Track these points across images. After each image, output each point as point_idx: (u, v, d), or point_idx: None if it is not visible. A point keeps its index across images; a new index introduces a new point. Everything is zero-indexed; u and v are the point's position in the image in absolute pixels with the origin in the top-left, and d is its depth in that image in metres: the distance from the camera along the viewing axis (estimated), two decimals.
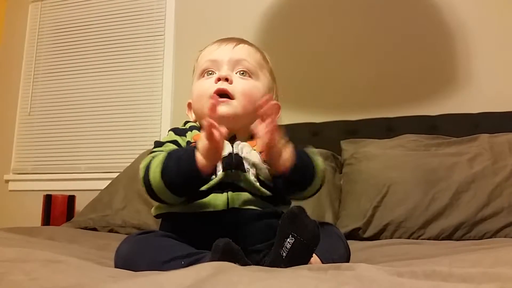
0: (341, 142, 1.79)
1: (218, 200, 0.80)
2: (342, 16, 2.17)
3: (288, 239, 0.66)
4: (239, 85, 0.90)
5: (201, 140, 0.75)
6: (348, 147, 1.74)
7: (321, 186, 0.86)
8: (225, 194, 0.80)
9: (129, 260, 0.71)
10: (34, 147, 2.54)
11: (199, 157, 0.75)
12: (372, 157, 1.60)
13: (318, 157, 0.85)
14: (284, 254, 0.65)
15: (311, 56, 2.16)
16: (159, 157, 0.79)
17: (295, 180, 0.81)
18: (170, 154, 0.79)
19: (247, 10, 2.28)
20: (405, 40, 2.06)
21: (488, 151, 1.47)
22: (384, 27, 2.10)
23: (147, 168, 0.79)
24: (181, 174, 0.76)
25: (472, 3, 2.01)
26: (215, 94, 0.84)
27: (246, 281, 0.45)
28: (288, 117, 1.93)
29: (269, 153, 0.77)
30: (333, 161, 1.75)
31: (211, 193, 0.80)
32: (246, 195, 0.81)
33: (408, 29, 2.07)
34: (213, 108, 0.75)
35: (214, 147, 0.74)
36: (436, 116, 1.85)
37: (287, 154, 0.79)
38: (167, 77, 2.39)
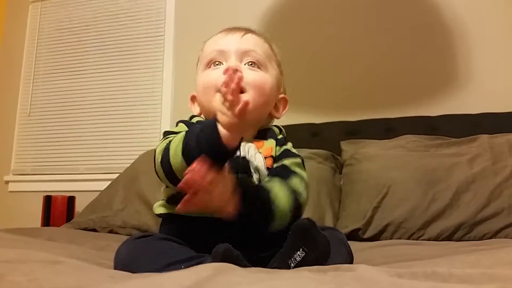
0: (341, 142, 1.79)
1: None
2: (342, 16, 2.17)
3: (298, 252, 0.65)
4: (249, 77, 0.85)
5: (224, 114, 0.69)
6: (348, 147, 1.74)
7: (292, 222, 0.76)
8: None
9: (129, 264, 0.70)
10: (34, 148, 2.54)
11: (223, 132, 0.68)
12: (372, 157, 1.60)
13: (283, 199, 0.76)
14: (292, 265, 0.65)
15: (311, 56, 2.16)
16: (178, 137, 0.73)
17: (248, 225, 0.75)
18: (188, 132, 0.73)
19: (246, 10, 2.28)
20: (405, 40, 2.06)
21: (488, 152, 1.47)
22: (384, 27, 2.10)
23: (166, 150, 0.74)
24: (205, 151, 0.69)
25: (472, 3, 2.01)
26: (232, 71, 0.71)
27: (246, 282, 0.45)
28: (288, 117, 1.92)
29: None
30: (333, 162, 1.75)
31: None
32: None
33: (408, 29, 2.07)
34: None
35: (242, 122, 0.68)
36: (436, 116, 1.85)
37: (231, 205, 0.71)
38: (167, 77, 2.39)
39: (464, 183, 1.38)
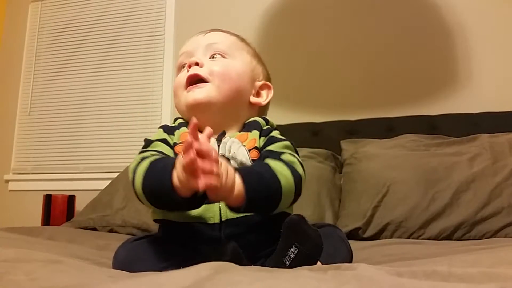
0: (341, 142, 1.79)
1: (209, 212, 0.74)
2: (342, 16, 2.17)
3: (291, 249, 0.65)
4: (212, 66, 0.85)
5: (180, 173, 0.63)
6: (348, 147, 1.73)
7: (295, 198, 0.75)
8: (216, 204, 0.74)
9: (127, 266, 0.69)
10: (34, 147, 2.54)
11: (176, 183, 0.64)
12: (372, 157, 1.60)
13: (286, 171, 0.72)
14: (287, 262, 0.65)
15: (311, 56, 2.16)
16: (144, 164, 0.72)
17: (255, 209, 0.70)
18: (153, 164, 0.71)
19: (247, 10, 2.28)
20: (405, 40, 2.06)
21: (488, 151, 1.47)
22: (384, 27, 2.10)
23: (134, 173, 0.73)
24: (158, 193, 0.68)
25: (472, 3, 2.01)
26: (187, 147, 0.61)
27: (246, 281, 0.45)
28: (288, 117, 1.93)
29: (215, 195, 0.64)
30: (333, 161, 1.75)
31: (203, 202, 0.72)
32: None
33: (408, 29, 2.07)
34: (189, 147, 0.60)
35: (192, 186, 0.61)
36: (436, 116, 1.85)
37: (238, 188, 0.66)
38: (167, 77, 2.39)
39: (464, 182, 1.38)
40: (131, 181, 0.74)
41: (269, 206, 0.72)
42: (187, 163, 0.59)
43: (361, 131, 1.88)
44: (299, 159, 0.79)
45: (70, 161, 2.46)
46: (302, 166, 0.77)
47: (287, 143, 0.82)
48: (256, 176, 0.70)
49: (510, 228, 1.28)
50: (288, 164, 0.74)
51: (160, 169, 0.69)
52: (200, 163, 0.59)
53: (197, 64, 0.85)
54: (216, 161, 0.61)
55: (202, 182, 0.59)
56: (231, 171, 0.66)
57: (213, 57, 0.87)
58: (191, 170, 0.60)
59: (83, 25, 2.58)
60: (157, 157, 0.75)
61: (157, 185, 0.68)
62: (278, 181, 0.70)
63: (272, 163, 0.73)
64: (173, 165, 0.65)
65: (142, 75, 2.43)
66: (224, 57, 0.87)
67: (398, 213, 1.38)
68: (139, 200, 0.74)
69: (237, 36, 0.94)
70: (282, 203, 0.72)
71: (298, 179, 0.73)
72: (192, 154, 0.59)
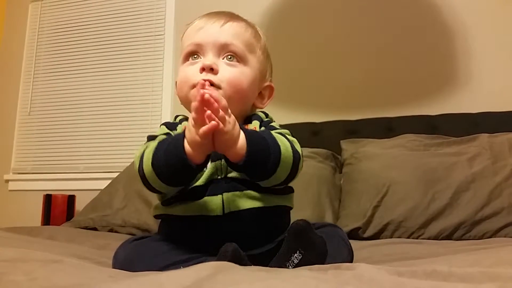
0: (341, 142, 1.79)
1: (212, 204, 0.74)
2: (342, 16, 2.17)
3: (295, 254, 0.65)
4: (226, 74, 0.82)
5: (188, 130, 0.68)
6: (348, 146, 1.73)
7: (292, 173, 0.75)
8: (219, 196, 0.75)
9: (128, 265, 0.69)
10: (34, 147, 2.54)
11: (187, 148, 0.68)
12: (372, 156, 1.60)
13: (286, 142, 0.75)
14: (290, 267, 0.65)
15: (311, 55, 2.16)
16: (152, 145, 0.74)
17: (253, 168, 0.72)
18: (160, 142, 0.74)
19: (246, 10, 2.26)
20: (405, 40, 2.06)
21: (488, 151, 1.47)
22: (384, 26, 2.10)
23: (141, 158, 0.75)
24: (170, 164, 0.70)
25: (472, 3, 2.01)
26: (201, 86, 0.70)
27: (246, 281, 0.45)
28: (288, 117, 1.93)
29: (219, 142, 0.68)
30: (333, 161, 1.75)
31: (205, 193, 0.74)
32: (243, 193, 0.76)
33: (408, 29, 2.07)
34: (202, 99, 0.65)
35: (205, 140, 0.66)
36: (436, 115, 1.85)
37: (241, 142, 0.69)
38: (167, 77, 2.39)
39: (464, 182, 1.38)
40: (137, 168, 0.75)
41: (266, 170, 0.72)
42: (200, 102, 0.64)
43: (361, 131, 1.88)
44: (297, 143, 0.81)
45: (70, 161, 2.46)
46: (302, 153, 0.79)
47: (286, 130, 0.84)
48: (259, 136, 0.72)
49: (510, 228, 1.28)
50: (289, 140, 0.76)
51: (169, 142, 0.72)
52: (210, 105, 0.64)
53: (211, 69, 0.82)
54: (225, 108, 0.67)
55: (210, 123, 0.64)
56: (237, 124, 0.70)
57: (227, 58, 0.84)
58: (201, 117, 0.64)
59: (83, 25, 2.58)
60: (164, 137, 0.78)
61: (168, 156, 0.70)
62: (278, 146, 0.72)
63: (274, 133, 0.76)
64: (183, 137, 0.69)
65: (142, 75, 2.43)
66: (238, 61, 0.85)
67: (398, 213, 1.38)
68: (147, 184, 0.75)
69: (252, 27, 0.92)
70: (278, 173, 0.72)
71: (297, 154, 0.75)
72: (203, 95, 0.64)
